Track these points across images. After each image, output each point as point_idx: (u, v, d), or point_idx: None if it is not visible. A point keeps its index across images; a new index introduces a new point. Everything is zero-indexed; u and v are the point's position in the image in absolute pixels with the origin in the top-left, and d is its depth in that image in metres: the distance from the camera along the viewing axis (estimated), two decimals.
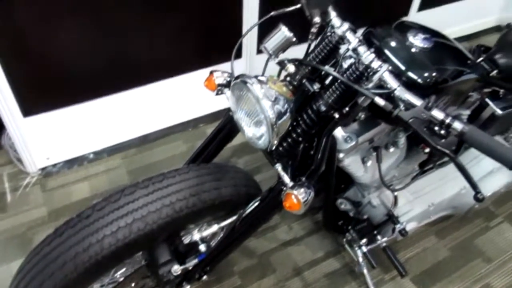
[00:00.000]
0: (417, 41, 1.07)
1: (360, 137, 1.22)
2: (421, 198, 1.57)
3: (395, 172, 1.49)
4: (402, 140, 1.33)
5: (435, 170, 1.65)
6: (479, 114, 1.52)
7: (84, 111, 2.01)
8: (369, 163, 1.32)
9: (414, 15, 2.64)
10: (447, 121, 0.87)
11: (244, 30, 2.14)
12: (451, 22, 2.87)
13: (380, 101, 0.89)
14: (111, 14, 1.79)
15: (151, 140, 2.25)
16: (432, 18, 2.75)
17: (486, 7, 3.01)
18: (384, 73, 0.93)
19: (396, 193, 1.46)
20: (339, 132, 1.21)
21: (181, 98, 2.24)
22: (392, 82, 0.92)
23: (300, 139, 1.06)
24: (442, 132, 0.90)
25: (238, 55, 2.23)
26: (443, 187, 1.60)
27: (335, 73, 0.96)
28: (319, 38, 1.07)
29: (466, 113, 1.50)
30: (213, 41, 2.11)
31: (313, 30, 0.97)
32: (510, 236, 1.85)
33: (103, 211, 1.02)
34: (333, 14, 1.03)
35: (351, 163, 1.29)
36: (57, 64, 1.82)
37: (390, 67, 0.93)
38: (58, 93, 1.91)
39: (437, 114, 0.87)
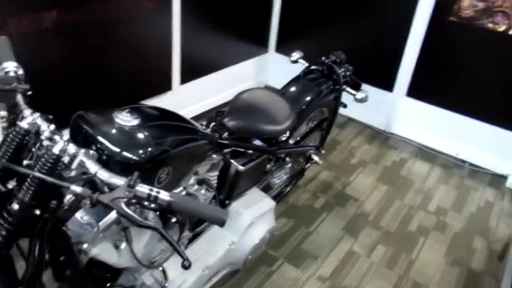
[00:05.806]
0: (125, 121, 1.09)
1: (101, 222, 1.17)
2: (194, 264, 1.57)
3: (162, 246, 1.47)
4: (151, 213, 1.33)
5: (204, 233, 1.71)
6: (227, 173, 1.65)
7: None
8: (123, 246, 1.27)
9: (178, 88, 2.82)
10: (153, 194, 0.88)
11: None
12: (214, 91, 3.18)
13: (76, 189, 0.85)
14: None
15: None
16: (196, 89, 2.99)
17: (242, 74, 3.45)
18: (81, 158, 0.90)
19: (162, 267, 1.44)
20: (76, 221, 1.12)
21: None
22: (91, 166, 0.90)
23: (5, 248, 0.92)
24: (153, 206, 0.90)
25: None
26: (213, 248, 1.65)
27: (16, 167, 0.88)
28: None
29: (214, 174, 1.60)
30: None
31: (2, 124, 0.89)
32: (290, 275, 2.01)
33: None
34: (23, 106, 0.97)
35: (102, 252, 1.22)
36: None
37: (84, 152, 0.90)
38: None
39: (142, 189, 0.88)
